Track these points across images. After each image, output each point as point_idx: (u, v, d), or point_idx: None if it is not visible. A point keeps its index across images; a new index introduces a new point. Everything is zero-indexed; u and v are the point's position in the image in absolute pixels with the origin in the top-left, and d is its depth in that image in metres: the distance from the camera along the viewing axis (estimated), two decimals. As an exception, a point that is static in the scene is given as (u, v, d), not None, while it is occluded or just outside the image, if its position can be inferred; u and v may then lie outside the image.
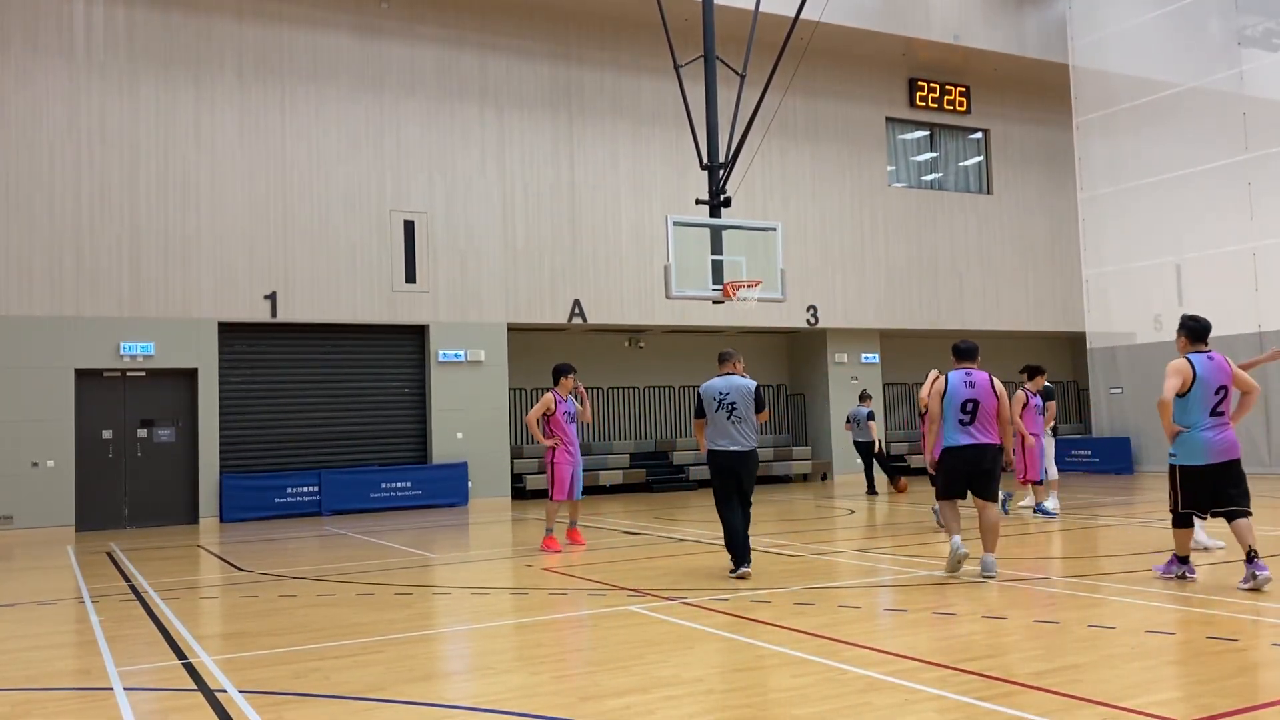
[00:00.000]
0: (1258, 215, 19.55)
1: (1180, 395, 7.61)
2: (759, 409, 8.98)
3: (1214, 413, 7.59)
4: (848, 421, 18.52)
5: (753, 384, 9.09)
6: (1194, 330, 7.83)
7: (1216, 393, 7.59)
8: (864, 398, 18.44)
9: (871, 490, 18.03)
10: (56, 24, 16.38)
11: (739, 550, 8.79)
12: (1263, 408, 19.31)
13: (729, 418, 8.87)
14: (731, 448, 8.86)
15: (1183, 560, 7.93)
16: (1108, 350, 22.46)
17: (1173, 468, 7.71)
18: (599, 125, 20.26)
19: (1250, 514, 7.54)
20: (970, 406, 8.40)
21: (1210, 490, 7.58)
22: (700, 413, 9.09)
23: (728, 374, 9.13)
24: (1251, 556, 7.41)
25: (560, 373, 11.59)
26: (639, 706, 4.92)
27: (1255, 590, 7.32)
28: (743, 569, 8.71)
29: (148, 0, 16.96)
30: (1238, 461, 7.63)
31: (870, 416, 17.99)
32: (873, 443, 18.00)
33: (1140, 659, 5.56)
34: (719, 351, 9.48)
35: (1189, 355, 7.74)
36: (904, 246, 23.26)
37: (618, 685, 5.34)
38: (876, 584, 8.56)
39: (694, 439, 21.46)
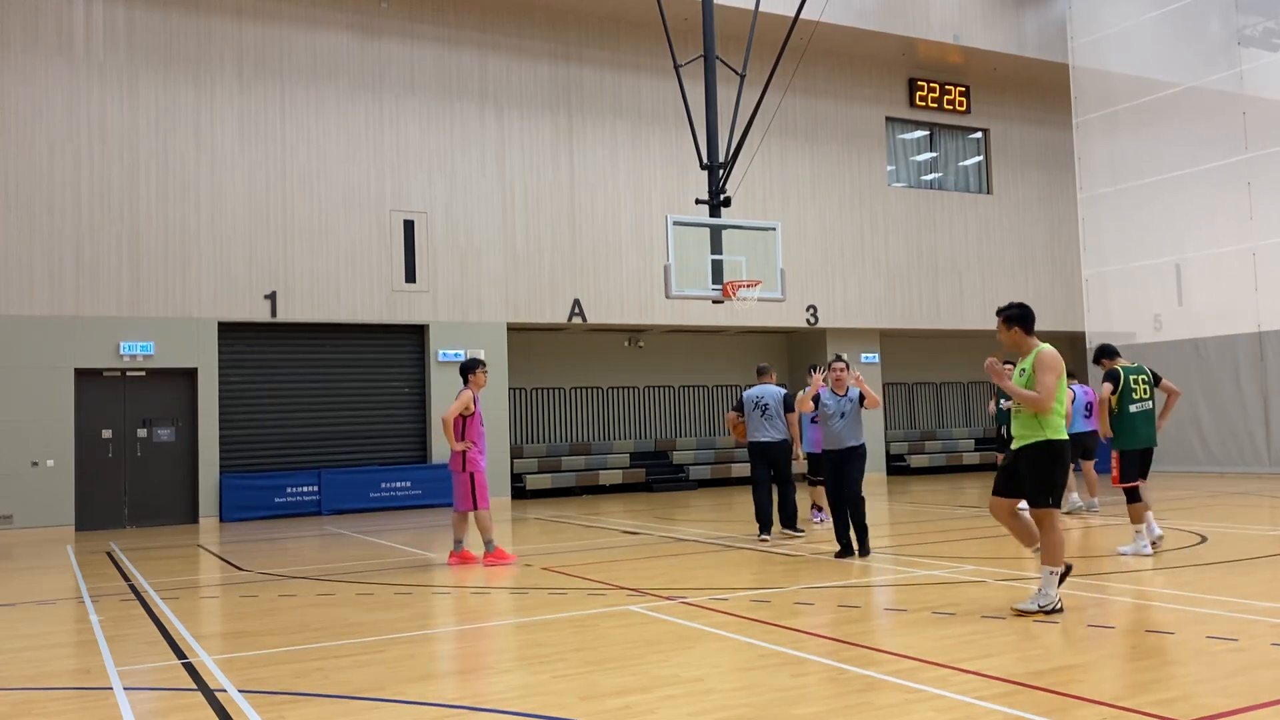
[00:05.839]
0: (1258, 215, 19.54)
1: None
2: (788, 409, 11.45)
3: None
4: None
5: (783, 391, 11.56)
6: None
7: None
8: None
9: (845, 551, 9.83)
10: (56, 24, 16.38)
11: (762, 520, 11.39)
12: (1263, 408, 19.32)
13: (762, 416, 11.44)
14: (764, 439, 11.44)
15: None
16: (1107, 350, 22.42)
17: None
18: (599, 125, 20.26)
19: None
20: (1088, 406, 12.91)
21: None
22: (739, 408, 11.79)
23: (765, 384, 11.69)
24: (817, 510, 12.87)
25: (474, 367, 10.39)
26: (639, 706, 4.92)
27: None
28: (763, 536, 11.29)
29: (147, 0, 16.97)
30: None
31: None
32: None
33: (1140, 659, 5.56)
34: (756, 365, 12.26)
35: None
36: (904, 246, 23.27)
37: (617, 685, 5.34)
38: (876, 584, 8.56)
39: (693, 438, 22.97)
